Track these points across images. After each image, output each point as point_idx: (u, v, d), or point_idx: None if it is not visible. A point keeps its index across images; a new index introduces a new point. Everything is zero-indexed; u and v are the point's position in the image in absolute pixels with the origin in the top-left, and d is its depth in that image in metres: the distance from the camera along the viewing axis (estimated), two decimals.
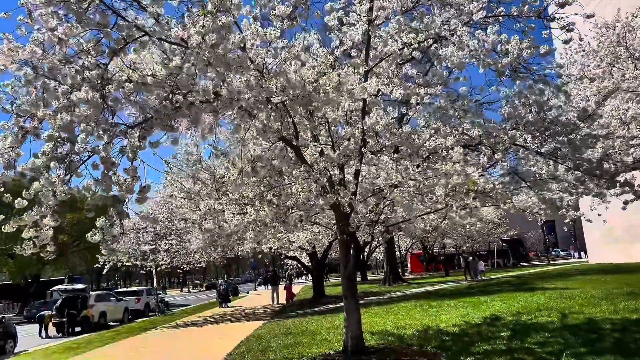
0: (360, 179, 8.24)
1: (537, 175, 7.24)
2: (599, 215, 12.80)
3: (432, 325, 11.87)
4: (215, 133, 6.32)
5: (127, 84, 4.86)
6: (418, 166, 7.75)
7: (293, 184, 6.92)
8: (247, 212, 6.60)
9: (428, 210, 8.93)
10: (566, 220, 11.64)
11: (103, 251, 5.03)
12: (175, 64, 5.18)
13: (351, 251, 8.95)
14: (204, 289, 77.24)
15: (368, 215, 8.61)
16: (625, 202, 10.42)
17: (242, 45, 5.75)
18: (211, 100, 5.32)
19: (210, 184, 7.33)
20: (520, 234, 59.28)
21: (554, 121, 7.03)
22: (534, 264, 50.52)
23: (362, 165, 8.74)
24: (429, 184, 7.60)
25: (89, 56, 4.76)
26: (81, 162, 5.18)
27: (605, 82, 11.10)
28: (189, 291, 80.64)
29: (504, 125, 7.13)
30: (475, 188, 7.23)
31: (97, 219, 5.09)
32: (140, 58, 5.52)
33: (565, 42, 7.52)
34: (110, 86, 4.75)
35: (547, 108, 6.90)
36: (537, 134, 7.58)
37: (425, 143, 6.92)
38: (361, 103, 7.93)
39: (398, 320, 13.30)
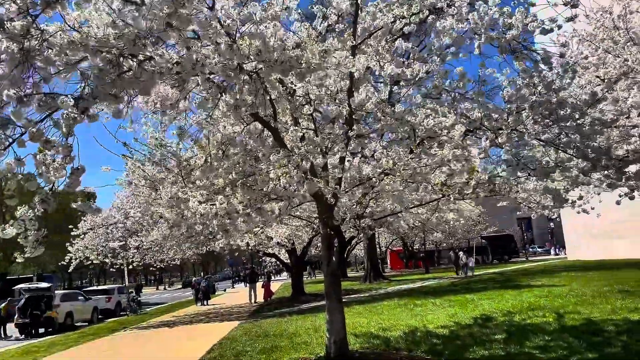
0: (346, 166, 7.39)
1: (543, 162, 6.50)
2: (592, 208, 12.20)
3: (419, 326, 11.12)
4: (177, 108, 5.38)
5: (60, 41, 3.89)
6: (411, 151, 6.93)
7: (271, 169, 6.01)
8: (216, 201, 5.69)
9: (420, 202, 8.13)
10: (563, 210, 10.96)
11: (27, 249, 4.04)
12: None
13: (335, 246, 8.10)
14: (181, 286, 75.67)
15: (354, 207, 7.76)
16: (628, 196, 9.78)
17: (209, 5, 4.84)
18: (170, 66, 4.39)
19: (177, 170, 6.38)
20: (498, 231, 59.39)
21: (562, 103, 6.29)
22: (514, 261, 50.49)
23: (348, 152, 7.92)
24: (423, 172, 6.78)
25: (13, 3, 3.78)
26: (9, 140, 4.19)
27: (600, 70, 10.47)
28: (165, 289, 78.93)
29: (508, 107, 6.36)
30: (476, 175, 6.45)
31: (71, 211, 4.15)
32: (85, 16, 4.56)
33: (570, 19, 6.80)
34: (38, 42, 3.77)
35: (556, 88, 6.16)
36: (540, 118, 6.84)
37: (422, 123, 6.09)
38: (348, 82, 7.09)
39: (383, 321, 12.52)
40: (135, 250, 20.64)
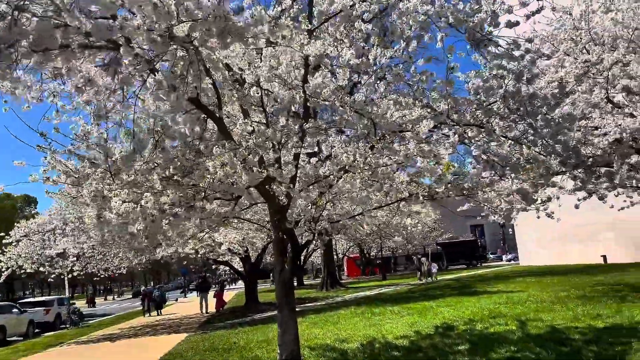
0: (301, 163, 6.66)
1: (514, 159, 6.00)
2: (552, 212, 11.97)
3: (377, 336, 10.48)
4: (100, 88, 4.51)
5: None
6: (372, 148, 6.28)
7: (213, 161, 5.20)
8: (143, 198, 4.84)
9: (382, 202, 7.49)
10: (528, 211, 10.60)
11: None
12: None
13: (288, 252, 7.34)
14: (131, 296, 72.53)
15: (309, 208, 7.04)
16: (598, 197, 9.53)
17: None
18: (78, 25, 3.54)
19: (105, 165, 5.46)
20: (453, 237, 60.10)
21: (533, 95, 5.83)
22: (467, 267, 51.06)
23: (304, 148, 7.20)
24: (386, 171, 6.14)
25: None
26: None
27: (559, 72, 10.26)
28: (113, 299, 75.54)
29: (478, 97, 5.83)
30: (451, 170, 5.87)
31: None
32: None
33: (536, 12, 6.39)
34: None
35: (529, 78, 5.69)
36: (508, 113, 6.36)
37: (385, 115, 5.44)
38: (302, 70, 6.38)
39: (339, 331, 11.83)
40: (75, 259, 19.15)
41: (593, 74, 9.53)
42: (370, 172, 5.99)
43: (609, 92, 10.24)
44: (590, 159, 7.64)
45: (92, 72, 4.82)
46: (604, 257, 28.90)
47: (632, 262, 25.81)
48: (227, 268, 31.90)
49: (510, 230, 34.38)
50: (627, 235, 27.09)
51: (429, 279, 29.72)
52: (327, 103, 5.48)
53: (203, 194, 5.26)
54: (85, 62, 4.84)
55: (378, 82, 5.94)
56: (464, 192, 6.60)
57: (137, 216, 4.72)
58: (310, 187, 6.46)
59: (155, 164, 5.26)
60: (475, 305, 13.91)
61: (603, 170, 7.55)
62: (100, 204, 4.95)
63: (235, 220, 10.52)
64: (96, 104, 4.76)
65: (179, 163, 5.63)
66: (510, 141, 6.20)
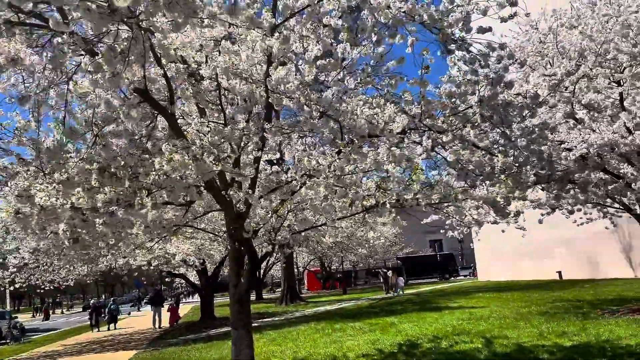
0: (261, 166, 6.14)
1: (487, 169, 5.67)
2: (523, 228, 11.85)
3: (338, 355, 9.97)
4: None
5: None
6: (339, 152, 5.83)
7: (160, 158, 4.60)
8: (73, 195, 4.19)
9: (347, 212, 7.02)
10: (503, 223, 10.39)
11: None
12: None
13: (245, 264, 6.76)
14: (82, 310, 69.11)
15: (269, 216, 6.50)
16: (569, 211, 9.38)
17: None
18: None
19: (37, 161, 4.78)
20: (413, 251, 60.46)
21: (509, 103, 5.55)
22: (427, 282, 51.20)
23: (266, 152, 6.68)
24: (353, 178, 5.69)
25: None
26: None
27: (524, 86, 10.19)
28: (62, 313, 71.91)
29: (452, 100, 5.48)
30: (421, 176, 5.48)
31: None
32: None
33: (506, 19, 6.16)
34: None
35: (507, 82, 5.40)
36: (480, 121, 6.05)
37: (355, 112, 5.01)
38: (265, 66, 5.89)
39: (298, 349, 11.24)
40: (15, 270, 17.80)
41: (559, 88, 9.47)
42: (335, 178, 5.52)
43: (574, 107, 10.24)
44: (560, 173, 7.48)
45: (21, 52, 4.19)
46: (559, 273, 29.43)
47: (586, 279, 26.35)
48: (184, 281, 30.68)
49: (471, 244, 34.66)
50: (581, 251, 27.71)
51: (397, 292, 29.59)
52: (290, 100, 4.99)
53: (146, 191, 4.64)
54: (13, 41, 4.21)
55: (347, 78, 5.51)
56: (433, 201, 6.22)
57: (65, 213, 4.07)
58: (271, 193, 5.94)
59: (94, 162, 4.63)
60: (438, 321, 13.60)
61: (580, 180, 7.40)
62: (22, 202, 4.27)
63: (190, 230, 9.83)
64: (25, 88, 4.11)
65: (122, 162, 5.01)
66: (482, 151, 5.88)
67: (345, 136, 5.77)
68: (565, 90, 9.62)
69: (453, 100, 5.42)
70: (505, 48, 6.67)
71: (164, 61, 5.18)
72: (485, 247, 35.96)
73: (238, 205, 5.95)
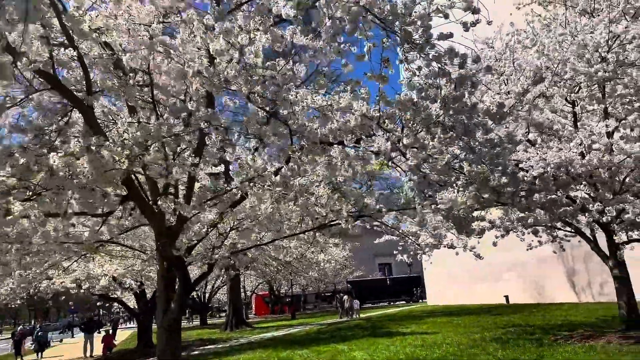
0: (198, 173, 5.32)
1: (452, 178, 5.15)
2: (479, 256, 11.53)
3: None
4: None
5: None
6: (288, 161, 5.12)
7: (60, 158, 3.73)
8: None
9: (297, 228, 6.28)
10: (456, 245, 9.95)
11: None
12: None
13: (176, 287, 5.85)
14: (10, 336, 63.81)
15: (205, 230, 5.66)
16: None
17: None
18: None
19: None
20: (363, 275, 60.08)
21: (474, 106, 5.06)
22: (375, 306, 50.73)
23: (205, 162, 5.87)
24: (304, 185, 4.99)
25: None
26: None
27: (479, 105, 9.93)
28: None
29: (415, 99, 4.92)
30: (381, 174, 4.85)
31: None
32: None
33: (468, 27, 5.76)
34: None
35: (475, 81, 4.92)
36: (441, 131, 5.54)
37: (305, 103, 4.34)
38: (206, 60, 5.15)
39: None
40: None
41: (514, 107, 9.24)
42: (283, 186, 4.81)
43: (529, 127, 10.06)
44: (524, 190, 7.13)
45: None
46: (507, 297, 29.64)
47: (533, 303, 26.60)
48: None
49: (425, 268, 34.65)
50: (528, 275, 28.05)
51: (354, 315, 29.14)
52: (231, 88, 4.26)
53: (29, 191, 3.75)
54: None
55: (297, 65, 4.85)
56: (395, 208, 5.61)
57: None
58: (208, 204, 5.14)
59: None
60: (390, 348, 12.94)
61: (546, 199, 7.05)
62: None
63: (118, 247, 8.76)
64: None
65: (22, 161, 4.08)
66: (444, 159, 5.35)
67: (296, 142, 5.10)
68: (522, 109, 9.40)
69: (415, 101, 4.86)
70: (479, 60, 6.24)
71: (79, 41, 4.35)
72: (435, 271, 35.97)
73: (168, 218, 5.10)
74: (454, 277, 33.83)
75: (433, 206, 5.11)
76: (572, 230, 12.50)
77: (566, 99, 9.90)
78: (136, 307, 22.40)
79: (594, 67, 8.71)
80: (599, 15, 9.45)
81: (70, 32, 4.05)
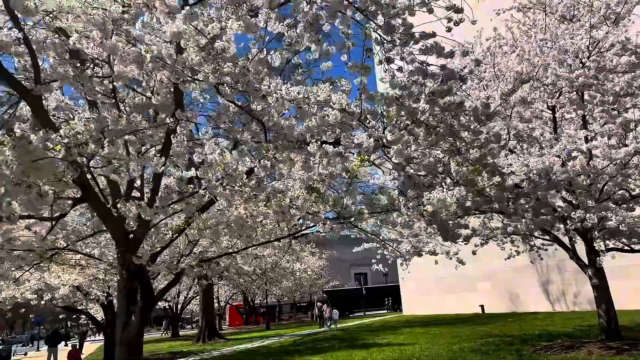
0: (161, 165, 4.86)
1: (439, 178, 4.82)
2: (461, 262, 11.28)
3: None
4: None
5: None
6: (261, 159, 4.71)
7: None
8: None
9: (271, 235, 5.86)
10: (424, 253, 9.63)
11: None
12: None
13: (137, 299, 5.36)
14: None
15: (172, 236, 5.20)
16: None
17: None
18: None
19: None
20: (339, 284, 59.70)
21: (461, 104, 4.76)
22: (352, 316, 50.23)
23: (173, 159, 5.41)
24: (275, 188, 4.59)
25: None
26: None
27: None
28: None
29: (401, 94, 4.58)
30: (359, 170, 4.48)
31: None
32: None
33: (453, 25, 5.50)
34: None
35: (463, 76, 4.63)
36: (424, 133, 5.23)
37: (279, 95, 3.95)
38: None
39: None
40: None
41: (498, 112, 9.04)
42: (255, 186, 4.40)
43: (509, 133, 9.88)
44: (511, 194, 6.89)
45: None
46: (482, 307, 29.62)
47: (508, 312, 26.62)
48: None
49: (402, 278, 34.48)
50: (502, 285, 28.11)
51: (330, 326, 28.80)
52: (198, 77, 3.84)
53: None
54: None
55: (271, 54, 4.47)
56: (378, 210, 5.25)
57: None
58: (173, 207, 4.69)
59: None
60: None
61: (536, 204, 6.81)
62: None
63: (78, 256, 8.17)
64: None
65: None
66: (430, 157, 5.03)
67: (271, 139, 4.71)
68: (504, 113, 9.22)
69: (399, 95, 4.53)
70: (467, 55, 5.97)
71: (28, 26, 3.88)
72: (411, 281, 35.82)
73: (129, 223, 4.63)
74: (428, 287, 33.81)
75: (420, 207, 4.78)
76: (551, 239, 12.37)
77: (547, 106, 9.76)
78: (103, 319, 21.47)
79: (575, 73, 8.58)
80: (579, 21, 9.35)
81: (16, 11, 3.58)
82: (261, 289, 37.49)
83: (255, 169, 4.51)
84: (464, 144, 5.13)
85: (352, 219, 4.84)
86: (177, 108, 4.82)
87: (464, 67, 4.95)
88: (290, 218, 5.79)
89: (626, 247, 11.87)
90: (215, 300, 41.93)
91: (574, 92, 9.04)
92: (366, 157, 4.41)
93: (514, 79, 9.43)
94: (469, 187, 4.91)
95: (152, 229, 5.49)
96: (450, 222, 5.36)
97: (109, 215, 4.63)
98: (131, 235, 5.28)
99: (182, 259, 5.66)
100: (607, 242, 11.73)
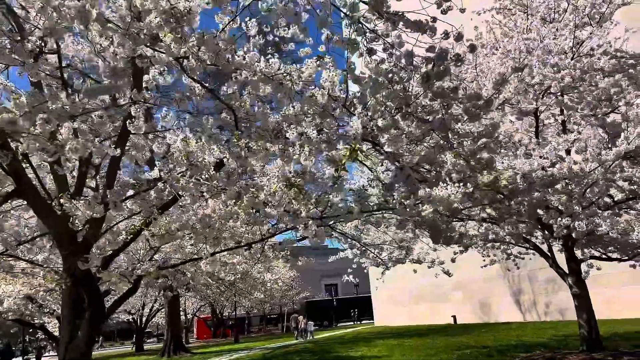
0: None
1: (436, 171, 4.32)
2: (448, 273, 10.83)
3: None
4: None
5: None
6: (232, 149, 4.11)
7: None
8: None
9: (241, 238, 5.22)
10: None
11: None
12: None
13: (85, 310, 4.63)
14: None
15: (126, 238, 4.51)
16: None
17: None
18: None
19: None
20: (309, 296, 58.87)
21: (455, 89, 4.29)
22: (322, 328, 49.46)
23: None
24: (247, 183, 3.99)
25: None
26: None
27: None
28: None
29: (391, 76, 4.07)
30: (346, 162, 3.92)
31: None
32: None
33: (442, 12, 5.06)
34: None
35: (460, 57, 4.16)
36: (415, 125, 4.74)
37: (254, 71, 3.37)
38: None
39: None
40: None
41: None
42: (224, 179, 3.79)
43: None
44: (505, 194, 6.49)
45: None
46: (454, 317, 29.41)
47: (479, 323, 26.45)
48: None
49: (375, 287, 34.12)
50: (474, 295, 27.99)
51: (309, 337, 28.42)
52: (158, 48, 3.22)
53: None
54: None
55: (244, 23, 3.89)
56: (370, 208, 4.69)
57: None
58: (130, 200, 4.03)
59: None
60: None
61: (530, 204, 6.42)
62: None
63: (23, 264, 7.31)
64: None
65: None
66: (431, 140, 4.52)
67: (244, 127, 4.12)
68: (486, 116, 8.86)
69: (391, 77, 4.02)
70: (461, 38, 5.49)
71: None
72: (383, 292, 35.42)
73: (74, 222, 3.94)
74: (400, 297, 33.53)
75: (419, 206, 4.24)
76: (530, 247, 12.08)
77: (529, 109, 9.48)
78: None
79: (560, 73, 8.31)
80: (560, 22, 9.13)
81: None
82: (230, 301, 36.38)
83: (225, 160, 3.91)
84: (456, 136, 4.66)
85: (340, 219, 4.26)
86: (134, 89, 4.18)
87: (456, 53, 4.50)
88: (262, 222, 5.18)
89: (603, 256, 11.71)
90: (182, 313, 40.58)
91: (559, 94, 8.77)
92: (358, 146, 3.86)
93: (496, 80, 9.13)
94: (472, 184, 4.43)
95: (106, 231, 4.80)
96: (445, 221, 4.87)
97: (50, 213, 3.94)
98: (80, 237, 4.58)
99: (138, 265, 4.98)
100: (584, 250, 11.54)
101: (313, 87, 3.75)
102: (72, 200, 3.85)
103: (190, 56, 3.34)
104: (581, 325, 10.90)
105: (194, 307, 47.01)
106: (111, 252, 4.45)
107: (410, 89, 4.02)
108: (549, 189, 8.29)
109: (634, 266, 11.53)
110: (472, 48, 4.36)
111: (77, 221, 3.86)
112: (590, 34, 8.55)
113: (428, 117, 4.61)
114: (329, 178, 3.97)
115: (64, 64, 5.07)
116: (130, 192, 4.14)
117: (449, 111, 4.55)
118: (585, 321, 10.78)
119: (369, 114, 3.95)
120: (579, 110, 8.91)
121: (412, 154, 4.31)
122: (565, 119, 10.01)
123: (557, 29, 8.77)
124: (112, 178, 4.51)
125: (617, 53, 9.13)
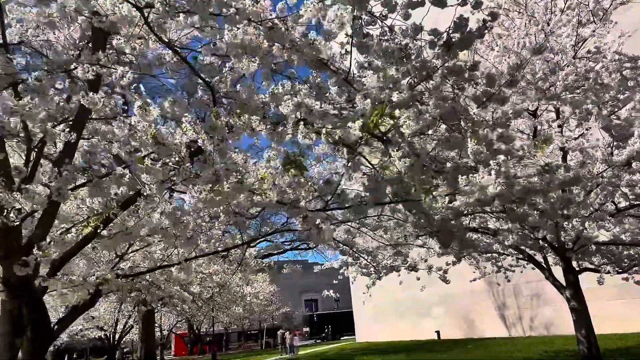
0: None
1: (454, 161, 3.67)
2: (446, 281, 10.19)
3: None
4: None
5: None
6: (209, 131, 3.38)
7: None
8: None
9: (216, 244, 4.46)
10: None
11: None
12: None
13: (26, 325, 3.80)
14: None
15: (77, 239, 3.73)
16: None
17: None
18: None
19: None
20: (289, 312, 57.67)
21: (475, 65, 3.66)
22: (303, 344, 48.26)
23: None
24: (230, 167, 3.27)
25: None
26: None
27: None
28: None
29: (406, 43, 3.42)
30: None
31: None
32: None
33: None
34: None
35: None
36: (424, 125, 4.09)
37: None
38: None
39: None
40: None
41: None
42: (199, 165, 3.07)
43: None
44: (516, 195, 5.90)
45: None
46: (438, 332, 28.77)
47: (463, 338, 25.85)
48: None
49: (344, 305, 33.45)
50: (457, 310, 27.43)
51: (294, 352, 27.93)
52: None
53: None
54: None
55: None
56: (387, 200, 3.99)
57: None
58: (79, 190, 3.26)
59: None
60: None
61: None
62: None
63: None
64: None
65: None
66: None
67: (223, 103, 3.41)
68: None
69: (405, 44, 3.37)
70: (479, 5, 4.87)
71: None
72: (364, 307, 34.61)
73: (8, 215, 3.16)
74: (382, 312, 32.83)
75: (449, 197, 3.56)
76: (524, 257, 11.53)
77: (530, 111, 8.98)
78: None
79: (564, 71, 7.82)
80: (560, 21, 8.69)
81: None
82: (207, 316, 35.14)
83: (200, 141, 3.18)
84: (470, 124, 4.03)
85: (349, 213, 3.54)
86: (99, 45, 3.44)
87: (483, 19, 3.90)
88: (244, 224, 4.46)
89: (599, 268, 11.22)
90: (158, 329, 39.09)
91: (564, 92, 8.27)
92: (383, 110, 3.12)
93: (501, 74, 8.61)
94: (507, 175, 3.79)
95: (58, 231, 4.01)
96: (458, 223, 4.19)
97: None
98: (25, 239, 3.78)
99: (93, 272, 4.18)
100: (580, 262, 11.06)
101: (312, 39, 3.07)
102: (7, 188, 3.08)
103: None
104: (580, 341, 10.31)
105: (170, 323, 45.44)
106: (56, 252, 3.64)
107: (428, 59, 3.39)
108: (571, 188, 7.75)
109: (626, 279, 11.06)
110: (493, 16, 3.75)
111: (11, 215, 3.08)
112: (593, 31, 8.11)
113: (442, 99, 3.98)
114: (342, 157, 3.22)
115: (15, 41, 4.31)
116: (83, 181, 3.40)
117: (463, 95, 3.93)
118: (584, 337, 10.20)
119: (379, 86, 3.28)
120: (582, 110, 8.46)
121: (426, 142, 3.66)
122: (565, 120, 9.55)
123: (560, 25, 8.32)
124: (62, 165, 3.75)
125: (616, 55, 8.74)
